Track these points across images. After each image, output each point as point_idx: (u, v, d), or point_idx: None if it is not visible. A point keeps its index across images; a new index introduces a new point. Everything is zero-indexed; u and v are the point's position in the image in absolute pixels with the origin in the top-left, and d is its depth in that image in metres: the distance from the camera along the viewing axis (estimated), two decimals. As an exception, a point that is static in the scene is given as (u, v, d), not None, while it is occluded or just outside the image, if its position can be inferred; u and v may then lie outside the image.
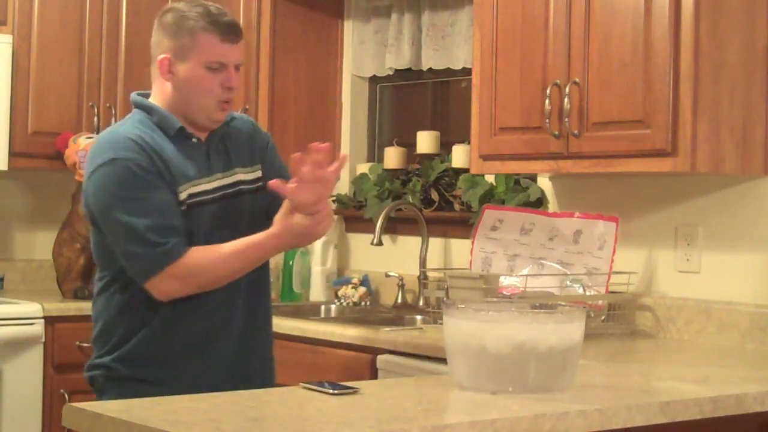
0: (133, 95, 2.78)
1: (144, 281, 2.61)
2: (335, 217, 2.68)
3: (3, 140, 4.47)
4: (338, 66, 4.89)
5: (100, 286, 2.79)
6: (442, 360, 2.62)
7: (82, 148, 4.55)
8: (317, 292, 4.61)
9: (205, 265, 2.61)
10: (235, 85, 2.70)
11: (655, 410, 2.29)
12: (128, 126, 2.69)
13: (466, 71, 4.29)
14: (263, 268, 2.80)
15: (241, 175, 2.76)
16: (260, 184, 2.77)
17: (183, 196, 2.64)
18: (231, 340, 2.74)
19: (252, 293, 2.78)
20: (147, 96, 2.77)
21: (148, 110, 2.72)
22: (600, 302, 3.48)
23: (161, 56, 2.69)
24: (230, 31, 2.68)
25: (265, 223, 2.66)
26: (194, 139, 2.72)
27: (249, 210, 2.75)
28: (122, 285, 2.70)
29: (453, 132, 4.50)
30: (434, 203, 4.38)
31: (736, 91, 3.21)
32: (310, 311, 4.36)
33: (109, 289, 2.75)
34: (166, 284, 2.60)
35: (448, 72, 4.53)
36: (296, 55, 4.75)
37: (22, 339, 4.20)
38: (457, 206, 4.32)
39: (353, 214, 4.65)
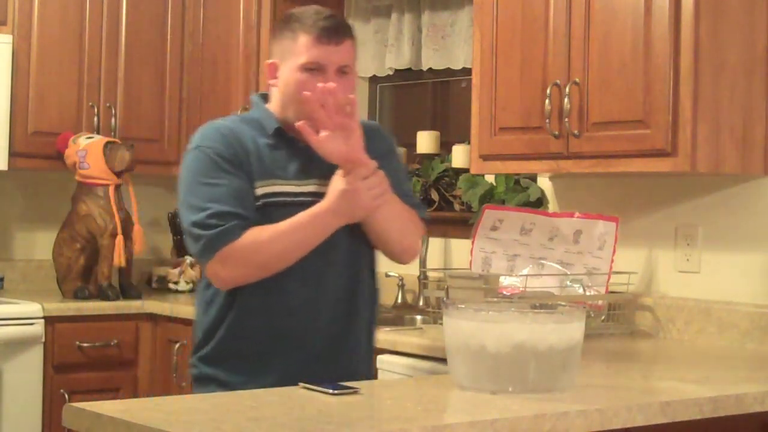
0: (252, 94, 2.81)
1: (203, 266, 2.62)
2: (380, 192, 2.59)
3: (3, 140, 4.47)
4: (338, 66, 4.89)
5: (199, 280, 2.80)
6: (442, 360, 2.62)
7: (82, 148, 4.56)
8: (317, 292, 4.60)
9: (259, 242, 2.55)
10: (334, 86, 2.57)
11: (655, 410, 2.29)
12: (225, 119, 2.74)
13: (466, 71, 4.29)
14: (361, 275, 2.71)
15: None
16: None
17: (258, 192, 2.61)
18: (310, 349, 2.65)
19: (342, 299, 2.69)
20: (266, 96, 2.77)
21: (255, 107, 2.75)
22: (600, 302, 3.48)
23: (268, 61, 2.71)
24: (329, 32, 2.61)
25: (363, 237, 2.67)
26: (300, 143, 2.64)
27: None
28: (207, 280, 2.71)
29: (453, 132, 4.50)
30: (434, 203, 4.38)
31: (736, 91, 3.21)
32: (310, 311, 4.35)
33: (201, 283, 2.77)
34: (220, 268, 2.58)
35: (448, 72, 4.53)
36: (296, 55, 4.75)
37: (22, 339, 4.20)
38: (457, 206, 4.32)
39: (353, 214, 4.65)
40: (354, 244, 2.68)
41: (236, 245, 2.54)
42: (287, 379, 2.42)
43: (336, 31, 2.62)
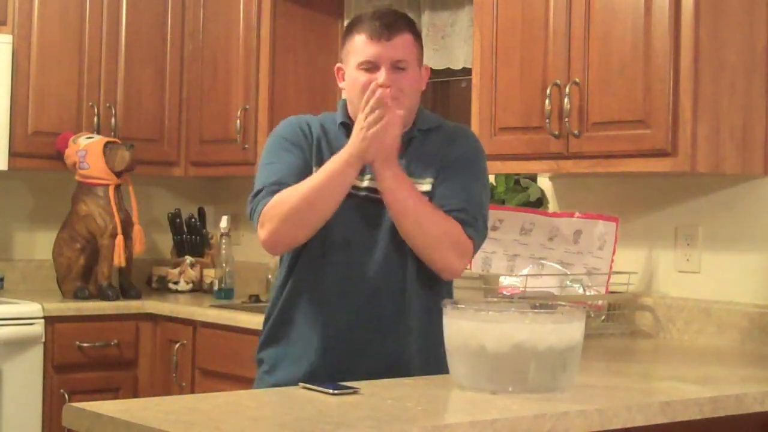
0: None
1: (257, 231, 2.67)
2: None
3: (3, 140, 4.47)
4: (338, 66, 4.89)
5: None
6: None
7: (82, 148, 4.56)
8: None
9: (287, 193, 2.60)
10: (384, 81, 2.59)
11: (655, 410, 2.29)
12: (305, 114, 2.83)
13: (466, 71, 4.29)
14: (409, 271, 2.68)
15: None
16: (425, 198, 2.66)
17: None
18: (352, 338, 2.66)
19: (391, 293, 2.67)
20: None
21: (338, 108, 2.78)
22: (600, 302, 3.48)
23: (337, 65, 2.75)
24: (380, 29, 2.63)
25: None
26: None
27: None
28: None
29: (453, 132, 4.49)
30: (434, 203, 4.37)
31: (736, 91, 3.21)
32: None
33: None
34: (261, 231, 2.63)
35: (448, 72, 4.53)
36: (296, 55, 4.76)
37: (22, 339, 4.20)
38: (457, 206, 4.31)
39: (353, 214, 4.65)
40: (393, 244, 2.66)
41: (268, 205, 2.61)
42: (332, 370, 2.52)
43: (387, 27, 2.64)
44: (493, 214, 3.75)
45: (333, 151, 2.65)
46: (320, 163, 2.66)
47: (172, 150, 4.98)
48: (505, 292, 3.51)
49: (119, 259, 4.54)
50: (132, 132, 4.83)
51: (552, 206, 3.92)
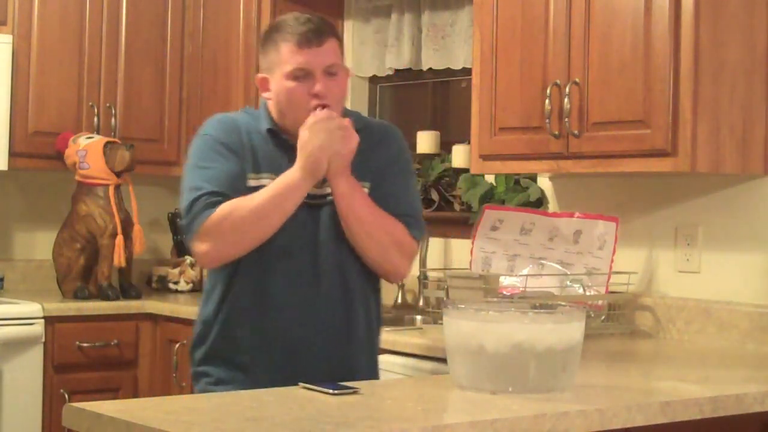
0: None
1: (190, 246, 2.64)
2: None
3: (3, 140, 4.47)
4: (338, 66, 4.89)
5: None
6: (442, 360, 2.62)
7: (82, 148, 4.56)
8: (317, 292, 4.60)
9: (231, 210, 2.56)
10: (321, 89, 2.60)
11: (655, 410, 2.29)
12: (231, 112, 2.80)
13: (466, 71, 4.29)
14: (354, 275, 2.69)
15: None
16: None
17: (251, 184, 2.63)
18: (303, 348, 2.65)
19: (334, 298, 2.68)
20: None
21: (260, 108, 2.75)
22: (600, 302, 3.48)
23: (258, 76, 2.72)
24: (309, 36, 2.60)
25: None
26: (294, 145, 2.64)
27: (338, 222, 2.66)
28: (210, 276, 2.75)
29: (453, 132, 4.50)
30: (434, 203, 4.38)
31: (736, 91, 3.21)
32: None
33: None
34: (199, 245, 2.59)
35: (448, 72, 4.53)
36: (296, 55, 4.75)
37: (22, 339, 4.20)
38: (457, 206, 4.32)
39: (353, 214, 4.65)
40: (342, 247, 2.67)
41: (211, 218, 2.56)
42: (281, 378, 2.45)
43: (316, 33, 2.62)
44: (493, 214, 3.75)
45: (264, 158, 2.64)
46: (257, 169, 2.63)
47: (172, 150, 4.98)
48: (505, 292, 3.51)
49: (119, 259, 4.54)
50: (132, 132, 4.83)
51: (552, 206, 3.91)
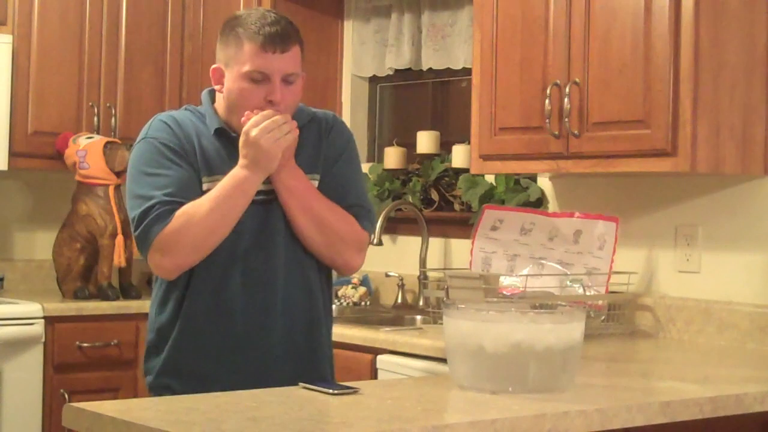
0: (204, 91, 2.76)
1: (145, 258, 2.58)
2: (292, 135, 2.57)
3: (3, 140, 4.47)
4: (338, 66, 4.89)
5: (154, 280, 2.73)
6: (442, 360, 2.62)
7: (82, 148, 4.56)
8: (317, 292, 4.60)
9: (186, 218, 2.50)
10: (278, 98, 2.55)
11: (655, 410, 2.29)
12: (175, 111, 2.72)
13: (466, 71, 4.29)
14: (310, 275, 2.66)
15: None
16: None
17: (204, 187, 2.59)
18: (263, 351, 2.61)
19: (297, 296, 2.64)
20: (214, 93, 2.73)
21: (203, 104, 2.71)
22: (600, 302, 3.48)
23: (213, 66, 2.67)
24: (274, 40, 2.54)
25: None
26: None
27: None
28: (160, 280, 2.67)
29: (453, 132, 4.50)
30: (434, 203, 4.38)
31: (736, 91, 3.21)
32: (310, 311, 4.35)
33: (155, 283, 2.70)
34: (159, 257, 2.53)
35: (448, 72, 4.53)
36: (296, 55, 4.75)
37: (22, 339, 4.20)
38: (457, 206, 4.32)
39: (353, 214, 4.65)
40: (294, 246, 2.63)
41: (166, 230, 2.51)
42: (244, 382, 2.42)
43: (281, 38, 2.56)
44: (493, 214, 3.75)
45: (214, 159, 2.59)
46: (209, 172, 2.59)
47: (172, 150, 4.98)
48: (505, 292, 3.51)
49: (119, 259, 4.54)
50: (132, 132, 4.80)
51: (552, 206, 3.92)
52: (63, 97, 4.68)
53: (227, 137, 2.63)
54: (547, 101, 3.40)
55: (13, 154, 4.52)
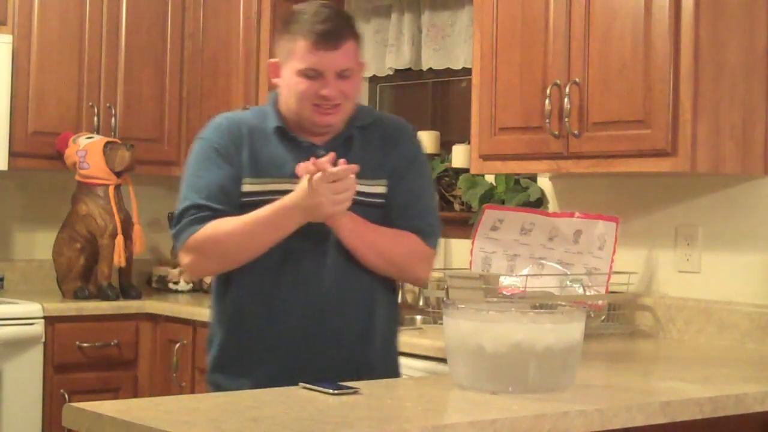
0: (270, 92, 2.77)
1: (177, 254, 2.64)
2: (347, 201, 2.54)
3: (3, 140, 4.47)
4: (338, 66, 4.89)
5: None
6: (442, 360, 2.62)
7: (82, 148, 4.56)
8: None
9: (218, 232, 2.54)
10: (330, 94, 2.56)
11: (655, 410, 2.29)
12: (237, 112, 2.76)
13: (466, 71, 4.29)
14: (360, 277, 2.63)
15: None
16: (379, 200, 2.64)
17: (247, 189, 2.61)
18: (315, 352, 2.60)
19: (347, 302, 2.62)
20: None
21: (268, 104, 2.72)
22: (600, 302, 3.48)
23: (271, 60, 2.70)
24: (326, 38, 2.56)
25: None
26: (303, 141, 2.64)
27: None
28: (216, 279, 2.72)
29: (453, 132, 4.50)
30: (434, 203, 4.38)
31: (736, 91, 3.21)
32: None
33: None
34: (184, 257, 2.60)
35: (448, 72, 4.53)
36: (296, 55, 4.75)
37: (22, 339, 4.20)
38: (457, 206, 4.32)
39: (353, 214, 4.65)
40: (346, 250, 2.62)
41: (198, 235, 2.56)
42: (288, 385, 2.40)
43: (334, 35, 2.58)
44: (493, 214, 3.75)
45: (266, 161, 2.61)
46: (257, 173, 2.61)
47: (172, 150, 4.98)
48: (505, 292, 3.51)
49: (119, 259, 4.54)
50: (132, 132, 4.83)
51: (552, 206, 3.92)
52: (63, 97, 4.68)
53: (286, 136, 2.65)
54: (547, 101, 3.40)
55: (13, 154, 4.52)
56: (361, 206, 2.61)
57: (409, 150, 2.72)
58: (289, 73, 2.61)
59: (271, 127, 2.66)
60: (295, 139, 2.65)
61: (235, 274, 2.63)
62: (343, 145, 2.65)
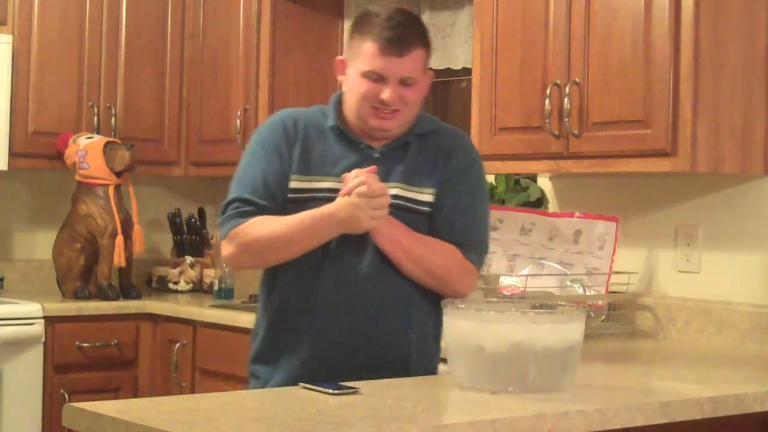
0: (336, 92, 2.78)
1: (220, 241, 2.68)
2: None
3: (3, 140, 4.47)
4: (338, 66, 4.89)
5: None
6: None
7: (82, 148, 4.56)
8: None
9: (256, 230, 2.57)
10: (389, 100, 2.56)
11: (655, 410, 2.29)
12: (301, 108, 2.78)
13: (466, 71, 4.29)
14: (401, 278, 2.61)
15: (399, 191, 2.61)
16: (425, 208, 2.62)
17: (294, 185, 2.62)
18: (353, 350, 2.59)
19: (385, 303, 2.62)
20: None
21: (330, 103, 2.73)
22: (600, 302, 3.48)
23: (339, 58, 2.71)
24: (393, 44, 2.56)
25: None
26: (359, 143, 2.64)
27: None
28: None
29: (453, 132, 4.49)
30: (434, 203, 4.37)
31: (736, 91, 3.22)
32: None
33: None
34: (225, 247, 2.63)
35: (448, 72, 4.53)
36: (296, 54, 4.76)
37: (22, 339, 4.20)
38: (457, 206, 4.31)
39: (353, 214, 4.64)
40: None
41: (239, 229, 2.59)
42: (318, 372, 2.45)
43: (401, 42, 2.57)
44: (493, 214, 3.74)
45: (318, 159, 2.62)
46: (304, 171, 2.62)
47: (172, 150, 4.98)
48: (505, 292, 3.51)
49: (119, 259, 4.54)
50: (132, 132, 4.83)
51: (552, 206, 3.92)
52: (63, 97, 4.69)
53: (342, 135, 2.66)
54: (547, 101, 3.40)
55: (13, 154, 4.52)
56: (406, 212, 2.60)
57: (463, 162, 2.69)
58: (354, 73, 2.62)
59: (329, 126, 2.67)
60: (351, 140, 2.65)
61: (281, 269, 2.65)
62: (398, 150, 2.65)
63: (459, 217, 2.63)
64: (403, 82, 2.59)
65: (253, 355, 2.72)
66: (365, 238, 2.59)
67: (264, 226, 2.58)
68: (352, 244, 2.59)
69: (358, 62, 2.60)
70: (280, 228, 2.57)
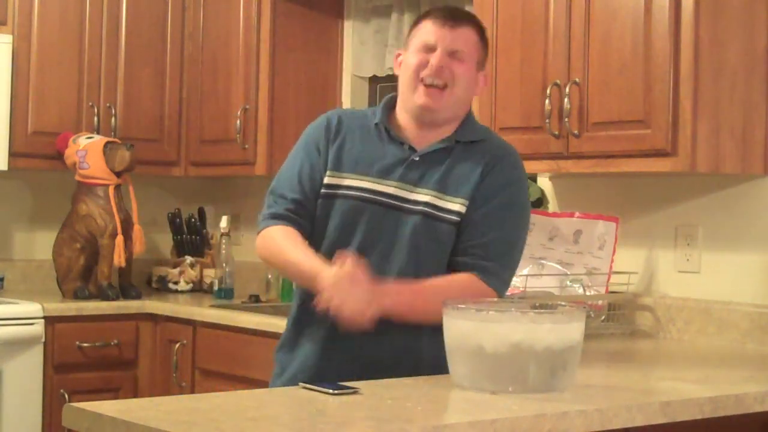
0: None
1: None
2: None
3: (3, 140, 4.47)
4: (338, 66, 4.89)
5: None
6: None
7: (82, 148, 4.56)
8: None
9: (269, 246, 2.65)
10: (435, 63, 2.55)
11: (655, 410, 2.29)
12: (351, 109, 2.89)
13: (466, 71, 4.28)
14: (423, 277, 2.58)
15: (430, 198, 2.57)
16: (455, 218, 2.56)
17: (325, 180, 2.65)
18: (371, 350, 2.59)
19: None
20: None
21: (382, 103, 2.73)
22: (600, 302, 3.48)
23: (397, 51, 2.74)
24: (445, 16, 2.61)
25: (441, 252, 2.57)
26: (402, 142, 2.62)
27: (420, 232, 2.56)
28: None
29: (453, 132, 4.49)
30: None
31: (736, 91, 3.22)
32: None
33: None
34: (257, 245, 2.70)
35: (448, 72, 4.52)
36: (296, 54, 4.76)
37: (22, 339, 4.20)
38: (457, 206, 4.31)
39: (353, 214, 4.65)
40: (419, 254, 2.59)
41: (264, 233, 2.67)
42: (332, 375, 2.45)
43: (455, 16, 2.62)
44: (493, 214, 3.75)
45: (357, 155, 2.63)
46: (337, 167, 2.63)
47: (172, 150, 4.98)
48: (505, 292, 3.51)
49: (119, 259, 4.54)
50: (132, 132, 4.83)
51: (552, 206, 3.92)
52: (63, 97, 4.68)
53: (387, 135, 2.65)
54: (547, 101, 3.40)
55: (13, 154, 4.52)
56: (434, 221, 2.57)
57: (501, 178, 2.61)
58: (408, 55, 2.64)
59: (374, 123, 2.67)
60: (394, 139, 2.64)
61: None
62: (439, 154, 2.61)
63: (484, 235, 2.56)
64: (453, 55, 2.59)
65: (278, 343, 2.77)
66: (393, 241, 2.59)
67: (277, 245, 2.63)
68: (381, 244, 2.59)
69: (412, 43, 2.64)
70: (284, 259, 2.63)
